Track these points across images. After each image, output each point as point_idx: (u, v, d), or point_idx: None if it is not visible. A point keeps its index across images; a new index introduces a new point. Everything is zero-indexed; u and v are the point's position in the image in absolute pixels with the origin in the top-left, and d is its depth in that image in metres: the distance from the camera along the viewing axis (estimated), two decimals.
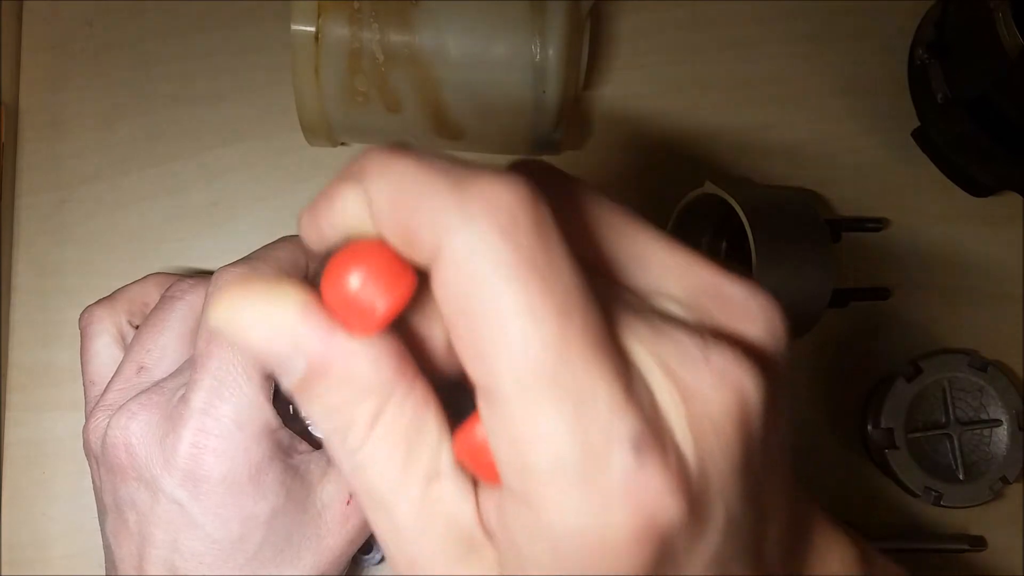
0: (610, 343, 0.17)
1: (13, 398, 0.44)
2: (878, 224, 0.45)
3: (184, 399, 0.30)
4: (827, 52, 0.47)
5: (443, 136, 0.41)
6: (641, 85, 0.47)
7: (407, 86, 0.39)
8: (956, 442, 0.43)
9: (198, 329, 0.33)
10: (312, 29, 0.38)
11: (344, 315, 0.19)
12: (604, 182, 0.46)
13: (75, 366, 0.43)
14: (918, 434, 0.43)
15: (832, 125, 0.46)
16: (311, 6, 0.38)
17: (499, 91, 0.39)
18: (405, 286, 0.18)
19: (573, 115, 0.45)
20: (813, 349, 0.45)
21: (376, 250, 0.18)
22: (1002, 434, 0.43)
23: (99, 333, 0.36)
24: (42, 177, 0.45)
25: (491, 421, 0.18)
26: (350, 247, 0.18)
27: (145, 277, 0.38)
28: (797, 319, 0.42)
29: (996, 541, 0.44)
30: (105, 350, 0.35)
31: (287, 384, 0.19)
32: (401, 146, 0.18)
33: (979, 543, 0.44)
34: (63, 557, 0.43)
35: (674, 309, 0.20)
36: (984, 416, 0.43)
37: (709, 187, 0.41)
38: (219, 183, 0.45)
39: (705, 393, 0.18)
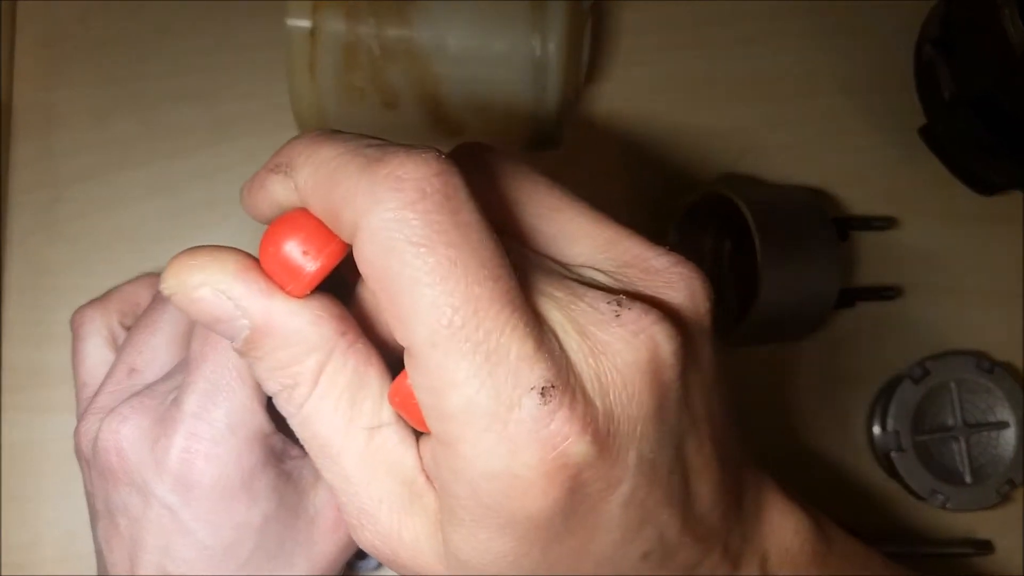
0: (521, 303, 0.19)
1: (6, 399, 0.43)
2: (885, 223, 0.45)
3: (177, 402, 0.29)
4: (832, 49, 0.47)
5: (441, 132, 0.41)
6: (643, 82, 0.46)
7: (404, 82, 0.39)
8: (963, 445, 0.42)
9: (191, 331, 0.33)
10: (308, 25, 0.38)
11: (279, 278, 0.21)
12: (605, 181, 0.46)
13: (69, 367, 0.43)
14: (925, 436, 0.42)
15: (838, 123, 0.46)
16: (307, 2, 0.38)
17: (498, 87, 0.39)
18: (332, 249, 0.20)
19: (573, 112, 0.45)
20: (819, 349, 0.45)
21: (305, 218, 0.20)
22: (1009, 437, 0.42)
23: (90, 334, 0.35)
24: (35, 175, 0.45)
25: (414, 376, 0.19)
26: (282, 217, 0.21)
27: (137, 277, 0.38)
28: (803, 319, 0.41)
29: (1003, 545, 0.44)
30: (96, 351, 0.35)
31: (235, 347, 0.21)
32: (326, 132, 0.20)
33: (985, 547, 0.44)
34: (57, 560, 0.43)
35: (599, 278, 0.22)
36: (991, 418, 0.43)
37: (713, 186, 0.41)
38: (213, 181, 0.45)
39: (615, 347, 0.20)
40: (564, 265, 0.23)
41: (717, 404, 0.24)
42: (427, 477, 0.21)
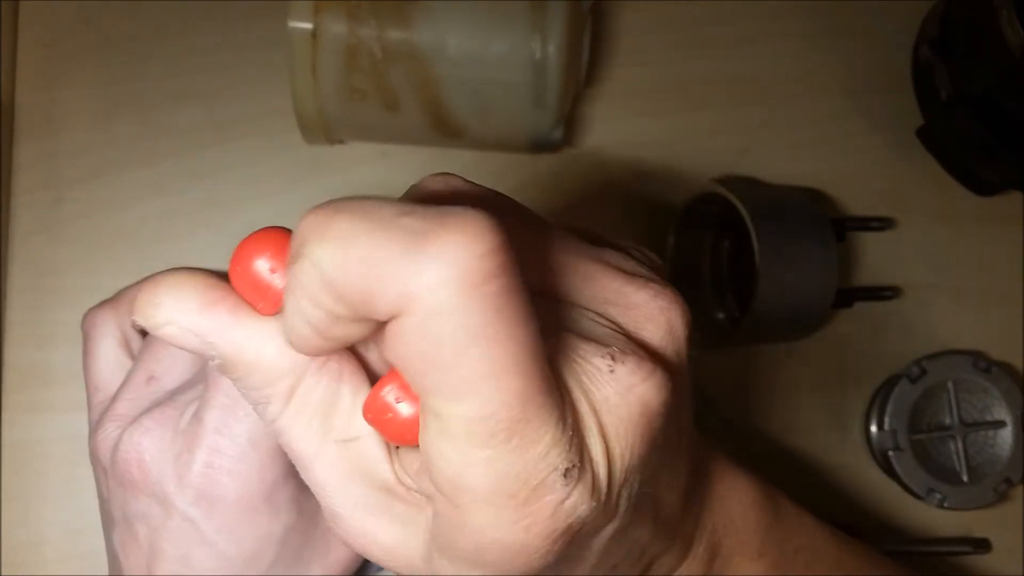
0: (554, 385, 0.19)
1: (8, 399, 0.43)
2: (883, 223, 0.45)
3: (198, 418, 0.29)
4: (831, 50, 0.47)
5: (441, 134, 0.41)
6: (642, 83, 0.46)
7: (405, 84, 0.39)
8: (960, 444, 0.43)
9: None
10: (309, 26, 0.38)
11: (249, 296, 0.20)
12: (604, 182, 0.46)
13: (71, 367, 0.43)
14: (922, 435, 0.43)
15: (836, 123, 0.46)
16: (308, 4, 0.38)
17: (499, 89, 0.39)
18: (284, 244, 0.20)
19: (573, 113, 0.45)
20: (817, 349, 0.45)
21: (273, 235, 0.20)
22: (1006, 436, 0.43)
23: (103, 336, 0.35)
24: (38, 175, 0.45)
25: (434, 440, 0.18)
26: (251, 236, 0.20)
27: (149, 277, 0.37)
28: (801, 319, 0.41)
29: (1000, 543, 0.44)
30: (109, 354, 0.35)
31: (212, 368, 0.21)
32: (340, 204, 0.18)
33: (983, 545, 0.44)
34: (59, 559, 0.42)
35: (584, 320, 0.22)
36: (988, 418, 0.43)
37: (712, 186, 0.41)
38: (215, 182, 0.45)
39: (612, 402, 0.20)
40: (553, 301, 0.22)
41: (686, 417, 0.24)
42: (404, 486, 0.21)
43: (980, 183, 0.45)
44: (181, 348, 0.21)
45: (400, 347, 0.17)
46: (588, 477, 0.19)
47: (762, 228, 0.38)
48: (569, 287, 0.22)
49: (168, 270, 0.22)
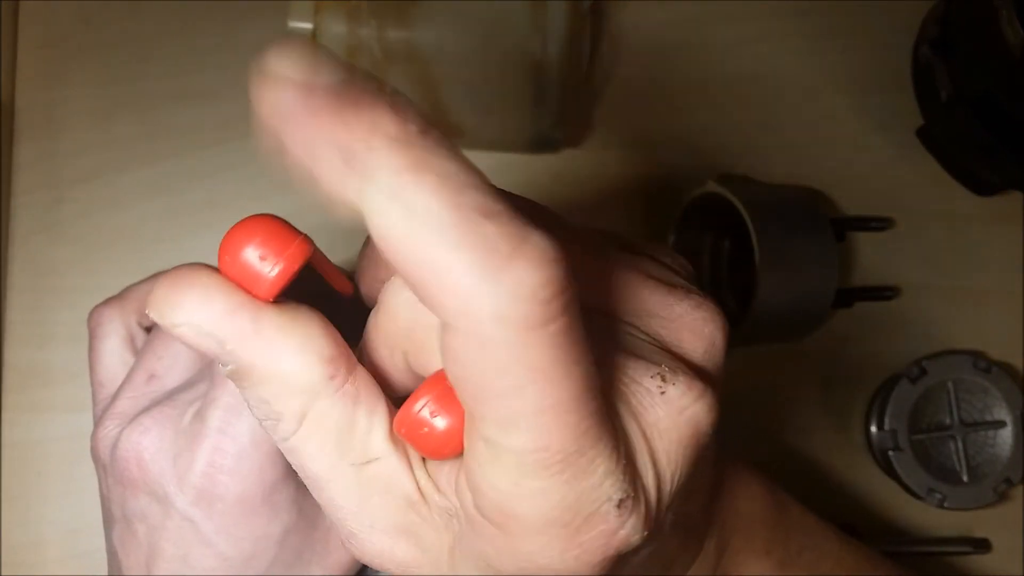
0: (607, 416, 0.18)
1: (8, 399, 0.43)
2: (882, 223, 0.45)
3: (200, 416, 0.29)
4: (831, 50, 0.47)
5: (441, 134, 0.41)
6: (643, 82, 0.46)
7: (406, 84, 0.39)
8: (960, 444, 0.43)
9: None
10: (309, 26, 0.38)
11: (241, 283, 0.20)
12: (605, 182, 0.46)
13: (71, 367, 0.43)
14: (922, 435, 0.43)
15: (836, 123, 0.46)
16: (308, 4, 0.38)
17: (499, 89, 0.39)
18: (292, 252, 0.19)
19: (574, 112, 0.45)
20: (817, 349, 0.45)
21: (264, 222, 0.19)
22: (1006, 436, 0.43)
23: (108, 334, 0.34)
24: (38, 176, 0.45)
25: (480, 462, 0.18)
26: (238, 224, 0.19)
27: (155, 275, 0.37)
28: (801, 319, 0.41)
29: (1000, 543, 0.44)
30: (114, 351, 0.34)
31: (224, 371, 0.20)
32: (428, 158, 0.15)
33: (983, 545, 0.44)
34: (58, 559, 0.42)
35: (631, 334, 0.21)
36: (988, 418, 0.43)
37: (712, 186, 0.41)
38: (215, 182, 0.45)
39: (663, 426, 0.19)
40: (600, 316, 0.22)
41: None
42: (427, 504, 0.21)
43: (980, 183, 0.45)
44: (194, 349, 0.20)
45: (455, 366, 0.17)
46: (641, 507, 0.19)
47: (762, 228, 0.38)
48: (613, 301, 0.21)
49: (187, 266, 0.20)
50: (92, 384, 0.35)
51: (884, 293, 0.44)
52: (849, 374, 0.45)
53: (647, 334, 0.21)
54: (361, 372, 0.21)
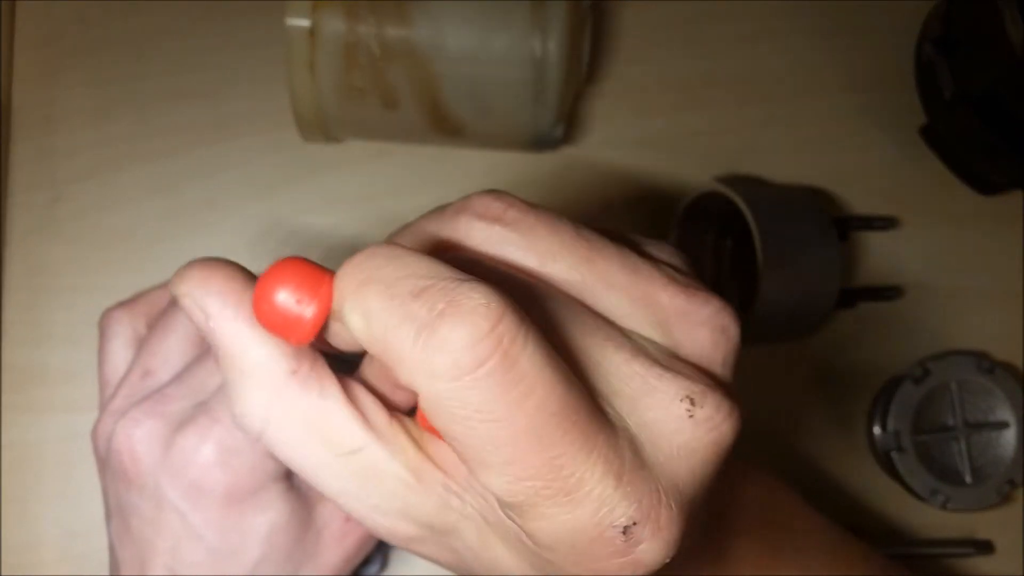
0: (601, 437, 0.19)
1: (5, 399, 0.43)
2: (886, 222, 0.45)
3: (205, 408, 0.30)
4: (833, 48, 0.46)
5: (441, 132, 0.41)
6: (644, 81, 0.46)
7: (404, 81, 0.39)
8: (963, 445, 0.42)
9: None
10: (307, 24, 0.38)
11: (280, 331, 0.21)
12: (605, 180, 0.45)
13: (68, 367, 0.43)
14: (925, 436, 0.42)
15: (839, 122, 0.46)
16: (306, 3, 0.38)
17: (498, 87, 0.39)
18: (325, 290, 0.20)
19: (574, 111, 0.45)
20: (820, 349, 0.44)
21: (296, 266, 0.20)
22: (1010, 437, 0.42)
23: (115, 335, 0.36)
24: (34, 175, 0.45)
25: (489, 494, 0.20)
26: (270, 269, 0.20)
27: (165, 282, 0.38)
28: (804, 319, 0.41)
29: (1003, 545, 0.44)
30: (120, 351, 0.35)
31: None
32: (369, 267, 0.19)
33: (986, 547, 0.43)
34: (57, 560, 0.42)
35: (649, 345, 0.22)
36: (992, 419, 0.43)
37: (714, 185, 0.40)
38: (213, 181, 0.45)
39: (690, 447, 0.20)
40: (608, 322, 0.22)
41: None
42: (424, 484, 0.22)
43: (984, 182, 0.45)
44: (193, 322, 0.22)
45: (434, 424, 0.19)
46: (662, 534, 0.19)
47: (764, 227, 0.38)
48: (630, 305, 0.22)
49: (216, 258, 0.23)
50: (99, 383, 0.36)
51: (887, 293, 0.44)
52: (852, 374, 0.45)
53: (671, 339, 0.22)
54: (326, 371, 0.22)
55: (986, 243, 0.46)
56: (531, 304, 0.20)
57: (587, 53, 0.42)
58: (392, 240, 0.23)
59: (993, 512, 0.43)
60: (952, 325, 0.45)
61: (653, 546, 0.19)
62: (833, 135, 0.46)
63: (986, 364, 0.43)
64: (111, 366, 0.35)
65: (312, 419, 0.21)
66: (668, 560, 0.20)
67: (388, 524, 0.22)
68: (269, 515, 0.30)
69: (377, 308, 0.19)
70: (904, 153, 0.46)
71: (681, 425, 0.20)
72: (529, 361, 0.18)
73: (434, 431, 0.21)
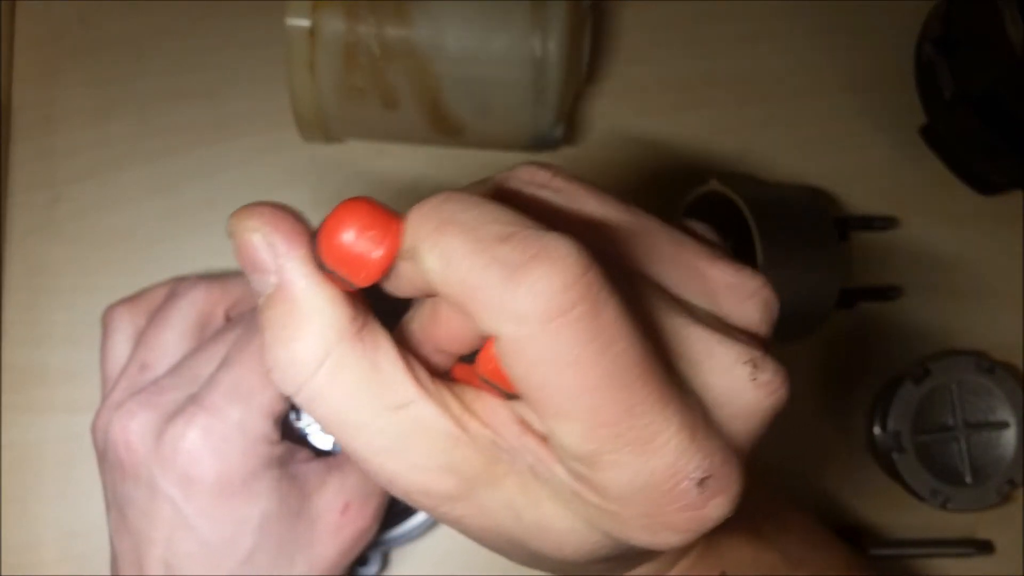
0: (673, 392, 0.19)
1: (5, 399, 0.43)
2: (885, 223, 0.45)
3: (197, 398, 0.31)
4: (833, 48, 0.46)
5: (441, 132, 0.41)
6: (644, 81, 0.46)
7: (405, 81, 0.39)
8: (964, 445, 0.42)
9: (200, 324, 0.35)
10: (307, 24, 0.38)
11: (344, 268, 0.20)
12: (605, 180, 0.45)
13: (68, 367, 0.43)
14: (925, 437, 0.42)
15: (839, 122, 0.46)
16: (306, 3, 0.38)
17: (499, 87, 0.39)
18: (395, 234, 0.20)
19: (574, 111, 0.45)
20: (820, 350, 0.44)
21: (364, 206, 0.20)
22: (1010, 437, 0.42)
23: (117, 330, 0.36)
24: (34, 174, 0.45)
25: (556, 446, 0.19)
26: (340, 207, 0.20)
27: (169, 280, 0.38)
28: (803, 319, 0.41)
29: (1003, 545, 0.44)
30: (120, 347, 0.36)
31: (259, 302, 0.21)
32: (448, 208, 0.19)
33: (986, 547, 0.43)
34: (57, 560, 0.42)
35: (712, 317, 0.22)
36: (992, 419, 0.43)
37: (714, 185, 0.40)
38: (213, 181, 0.45)
39: (751, 409, 0.21)
40: (673, 301, 0.22)
41: None
42: (471, 438, 0.21)
43: (984, 182, 0.45)
44: (250, 260, 0.21)
45: (509, 371, 0.19)
46: (731, 487, 0.20)
47: (764, 227, 0.38)
48: (683, 277, 0.22)
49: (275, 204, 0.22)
50: (101, 378, 0.36)
51: (887, 293, 0.44)
52: (852, 374, 0.45)
53: (721, 310, 0.22)
54: (377, 324, 0.21)
55: (986, 243, 0.45)
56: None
57: (587, 53, 0.42)
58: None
59: (993, 512, 0.43)
60: (952, 325, 0.45)
61: (722, 501, 0.19)
62: (833, 135, 0.46)
63: (986, 364, 0.43)
64: (112, 361, 0.36)
65: (363, 371, 0.21)
66: (728, 518, 0.20)
67: (426, 480, 0.21)
68: (262, 504, 0.31)
69: (460, 249, 0.18)
70: (904, 153, 0.46)
71: (744, 387, 0.20)
72: (613, 311, 0.18)
73: (484, 387, 0.21)
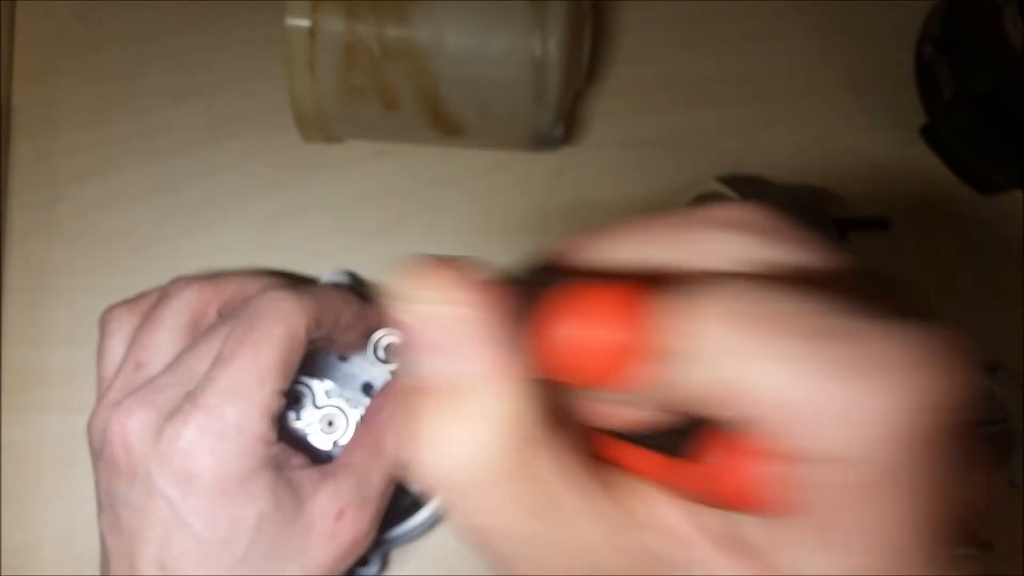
0: None
1: (5, 400, 0.43)
2: (886, 223, 0.45)
3: (192, 396, 0.31)
4: (833, 48, 0.46)
5: (441, 132, 0.41)
6: (644, 81, 0.46)
7: (404, 81, 0.39)
8: None
9: (192, 323, 0.35)
10: (307, 24, 0.38)
11: (558, 372, 0.16)
12: (606, 181, 0.45)
13: (67, 367, 0.43)
14: None
15: (839, 122, 0.46)
16: (306, 2, 0.38)
17: (498, 86, 0.39)
18: (638, 328, 0.16)
19: (574, 111, 0.45)
20: None
21: (598, 292, 0.16)
22: (1010, 437, 0.42)
23: (114, 332, 0.36)
24: (34, 174, 0.45)
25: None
26: (569, 295, 0.16)
27: (168, 283, 0.38)
28: None
29: (1003, 545, 0.44)
30: (117, 348, 0.36)
31: (410, 380, 0.17)
32: (753, 311, 0.15)
33: (985, 547, 0.43)
34: (56, 560, 0.42)
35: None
36: (992, 418, 0.43)
37: (714, 185, 0.40)
38: (212, 181, 0.45)
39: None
40: None
41: None
42: (621, 552, 0.18)
43: (984, 182, 0.45)
44: (426, 340, 0.16)
45: (816, 492, 0.16)
46: None
47: None
48: None
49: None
50: (97, 379, 0.36)
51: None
52: None
53: None
54: (557, 420, 0.17)
55: (986, 243, 0.45)
56: None
57: (587, 53, 0.42)
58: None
59: (992, 512, 0.43)
60: (951, 325, 0.45)
61: None
62: (833, 134, 0.46)
63: (986, 365, 0.43)
64: (108, 362, 0.36)
65: (530, 481, 0.17)
66: None
67: None
68: (258, 505, 0.31)
69: (802, 356, 0.15)
70: (904, 153, 0.46)
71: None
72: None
73: (688, 496, 0.17)
